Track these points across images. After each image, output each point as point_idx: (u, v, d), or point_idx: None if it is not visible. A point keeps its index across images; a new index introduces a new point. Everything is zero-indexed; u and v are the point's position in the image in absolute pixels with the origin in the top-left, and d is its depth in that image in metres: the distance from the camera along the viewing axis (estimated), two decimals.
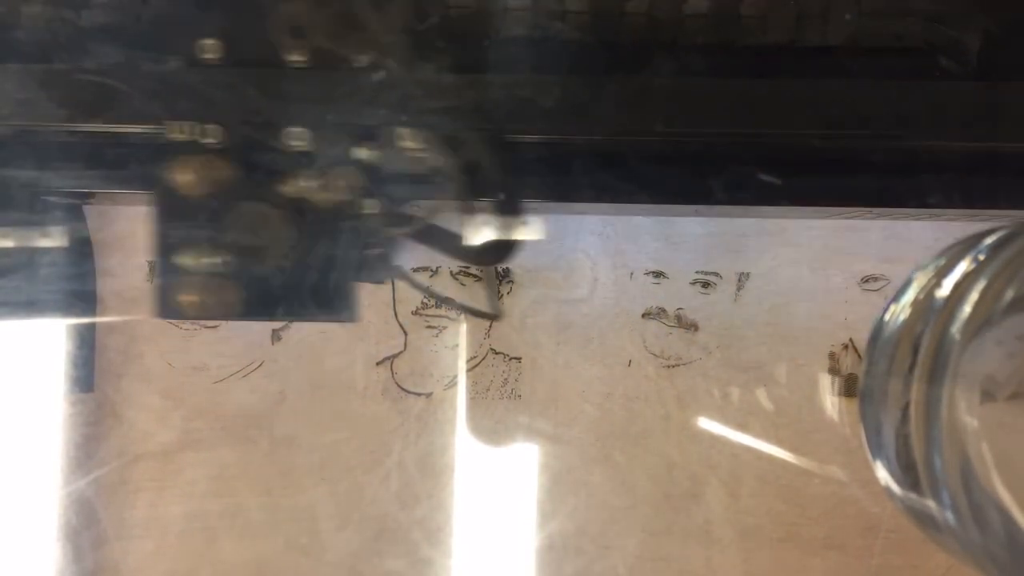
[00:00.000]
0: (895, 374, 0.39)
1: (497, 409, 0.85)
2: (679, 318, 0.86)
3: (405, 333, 0.85)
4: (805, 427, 0.86)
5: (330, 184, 0.46)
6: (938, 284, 0.39)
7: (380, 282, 0.82)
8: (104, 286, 0.84)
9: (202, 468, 0.85)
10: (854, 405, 0.84)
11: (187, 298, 0.46)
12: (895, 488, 0.39)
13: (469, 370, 0.85)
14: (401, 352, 0.85)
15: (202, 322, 0.84)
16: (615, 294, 0.86)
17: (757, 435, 0.86)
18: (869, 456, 0.40)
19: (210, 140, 0.45)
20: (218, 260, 0.46)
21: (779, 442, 0.86)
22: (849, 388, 0.86)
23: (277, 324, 0.85)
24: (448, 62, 0.48)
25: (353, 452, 0.85)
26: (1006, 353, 0.37)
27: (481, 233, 0.50)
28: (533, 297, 0.86)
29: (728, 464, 0.86)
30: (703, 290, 0.86)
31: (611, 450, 0.86)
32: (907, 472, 0.38)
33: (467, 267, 0.85)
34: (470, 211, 0.50)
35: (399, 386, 0.85)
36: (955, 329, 0.36)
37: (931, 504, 0.36)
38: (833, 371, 0.86)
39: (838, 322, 0.86)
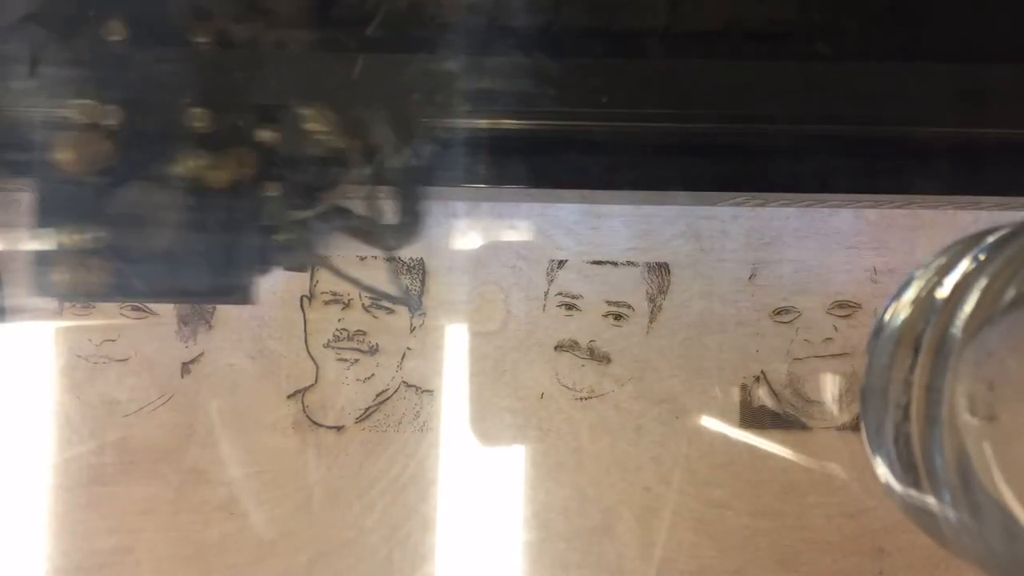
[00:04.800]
0: (896, 373, 0.39)
1: (408, 442, 0.85)
2: (591, 350, 0.86)
3: (316, 366, 0.85)
4: (718, 459, 0.86)
5: (223, 164, 0.45)
6: (939, 283, 0.39)
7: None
8: (10, 318, 0.83)
9: (109, 503, 0.84)
10: (767, 436, 0.85)
11: (59, 276, 0.45)
12: (895, 486, 0.39)
13: (381, 403, 0.85)
14: (312, 385, 0.85)
15: (111, 355, 0.84)
16: (528, 326, 0.86)
17: (669, 468, 0.86)
18: (869, 453, 0.40)
19: (110, 121, 0.45)
20: (93, 237, 0.45)
21: (691, 474, 0.86)
22: (761, 420, 0.86)
23: (187, 357, 0.84)
24: (355, 43, 0.48)
25: (263, 486, 0.84)
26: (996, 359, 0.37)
27: (386, 217, 0.50)
28: (446, 330, 0.85)
29: (641, 497, 0.86)
30: (615, 322, 0.86)
31: (523, 483, 0.85)
32: (908, 471, 0.38)
33: (379, 300, 0.85)
34: (375, 195, 0.49)
35: (310, 419, 0.85)
36: (956, 328, 0.36)
37: (932, 502, 0.36)
38: (745, 403, 0.86)
39: (750, 354, 0.86)
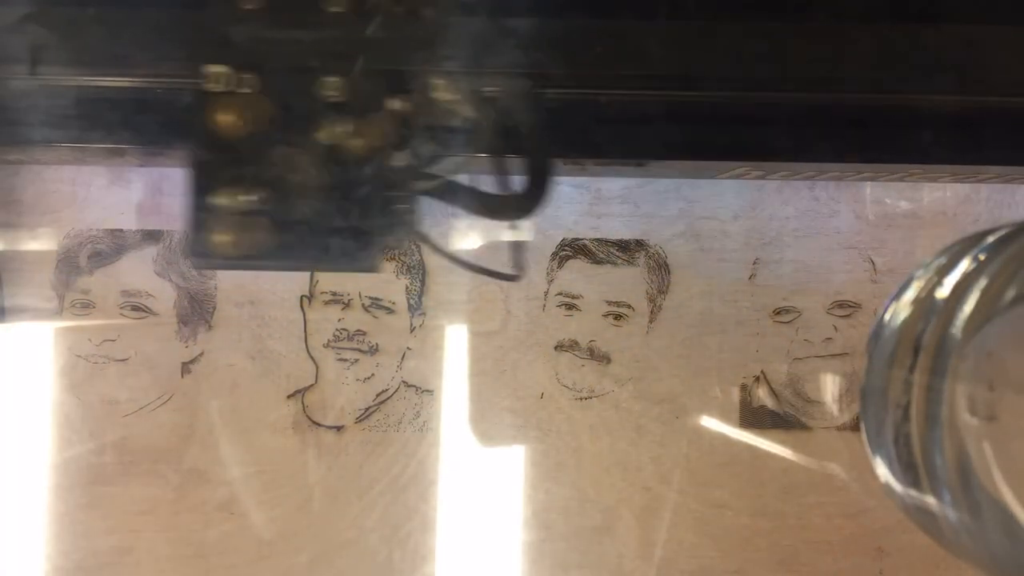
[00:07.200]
0: (896, 373, 0.39)
1: (409, 442, 0.85)
2: (591, 350, 0.86)
3: (316, 366, 0.85)
4: (718, 459, 0.86)
5: (362, 132, 0.45)
6: (939, 283, 0.39)
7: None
8: (10, 318, 0.83)
9: (109, 503, 0.84)
10: (767, 436, 0.85)
11: (221, 237, 0.45)
12: (895, 486, 0.39)
13: (381, 403, 0.85)
14: (312, 385, 0.85)
15: (111, 355, 0.84)
16: (527, 326, 0.86)
17: (669, 468, 0.86)
18: (869, 453, 0.41)
19: (246, 89, 0.44)
20: (253, 198, 0.44)
21: (691, 474, 0.86)
22: (761, 420, 0.86)
23: (187, 357, 0.84)
24: (486, 9, 0.47)
25: (263, 486, 0.84)
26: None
27: (506, 189, 0.50)
28: (445, 330, 0.85)
29: (641, 497, 0.86)
30: (615, 322, 0.86)
31: (523, 483, 0.85)
32: (908, 471, 0.38)
33: (379, 299, 0.85)
34: (501, 167, 0.49)
35: (310, 419, 0.85)
36: (956, 328, 0.36)
37: (932, 502, 0.36)
38: (745, 403, 0.86)
39: (750, 354, 0.86)
